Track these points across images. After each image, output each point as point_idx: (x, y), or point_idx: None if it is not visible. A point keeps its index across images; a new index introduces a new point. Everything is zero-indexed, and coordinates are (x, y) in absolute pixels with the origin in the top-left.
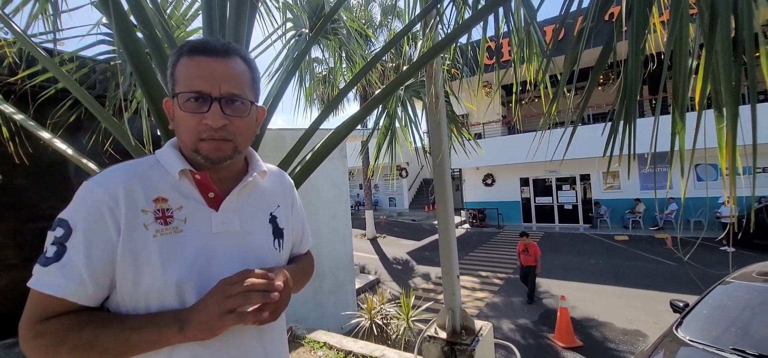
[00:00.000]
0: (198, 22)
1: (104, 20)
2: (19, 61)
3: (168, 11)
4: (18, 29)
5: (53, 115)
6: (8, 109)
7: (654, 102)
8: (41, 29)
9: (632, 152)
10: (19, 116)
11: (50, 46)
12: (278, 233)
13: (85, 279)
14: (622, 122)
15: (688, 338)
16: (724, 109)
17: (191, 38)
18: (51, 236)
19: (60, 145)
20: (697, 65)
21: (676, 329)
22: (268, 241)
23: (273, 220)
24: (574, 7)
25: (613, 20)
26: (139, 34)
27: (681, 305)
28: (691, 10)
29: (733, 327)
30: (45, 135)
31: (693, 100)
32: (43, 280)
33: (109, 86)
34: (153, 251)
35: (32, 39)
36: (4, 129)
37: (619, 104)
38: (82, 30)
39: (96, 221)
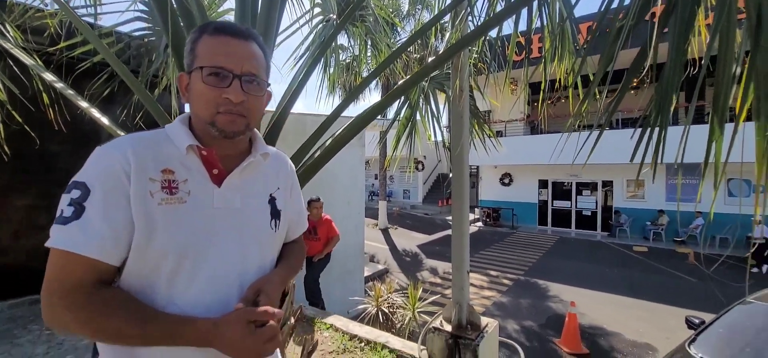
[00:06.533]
0: (229, 3)
1: None
2: (60, 32)
3: None
4: (63, 1)
5: (90, 86)
6: (49, 77)
7: (689, 109)
8: (80, 2)
9: (659, 161)
10: (59, 85)
11: (89, 20)
12: (276, 214)
13: (106, 236)
14: (656, 129)
15: (700, 355)
16: (761, 119)
17: (213, 21)
18: (66, 198)
19: (96, 114)
20: (742, 72)
21: (689, 345)
22: (266, 221)
23: (272, 201)
24: (615, 4)
25: (655, 20)
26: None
27: (697, 322)
28: (740, 14)
29: (748, 349)
30: (83, 104)
31: (732, 110)
32: (62, 238)
33: (142, 62)
34: (157, 217)
35: (74, 12)
36: (44, 96)
37: (653, 110)
38: (120, 6)
39: (113, 181)
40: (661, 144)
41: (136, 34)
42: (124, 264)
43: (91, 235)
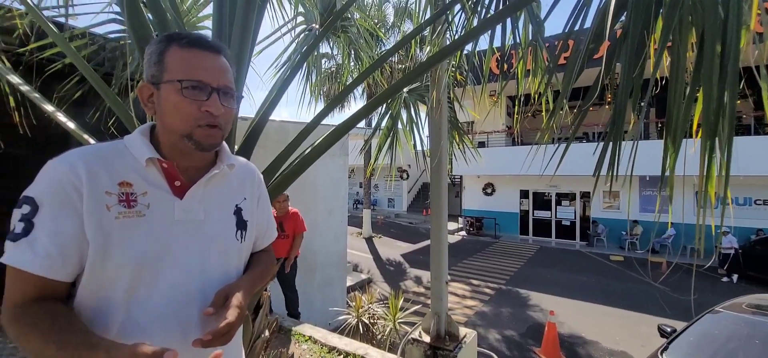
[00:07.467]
0: (208, 9)
1: None
2: (30, 33)
3: None
4: (30, 2)
5: (60, 89)
6: (15, 79)
7: (660, 125)
8: (54, 2)
9: (615, 174)
10: (25, 87)
11: (62, 20)
12: (242, 225)
13: (53, 254)
14: (610, 144)
15: None
16: (701, 139)
17: (179, 31)
18: (18, 213)
19: (62, 118)
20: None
21: (661, 353)
22: (231, 232)
23: (238, 212)
24: (577, 27)
25: (616, 38)
26: (149, 16)
27: (669, 330)
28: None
29: (717, 357)
30: (49, 108)
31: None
32: (14, 255)
33: (117, 65)
34: (114, 231)
35: (44, 12)
36: (10, 99)
37: (610, 126)
38: (95, 7)
39: (61, 197)
40: (616, 157)
41: (112, 36)
42: (79, 279)
43: (39, 253)
